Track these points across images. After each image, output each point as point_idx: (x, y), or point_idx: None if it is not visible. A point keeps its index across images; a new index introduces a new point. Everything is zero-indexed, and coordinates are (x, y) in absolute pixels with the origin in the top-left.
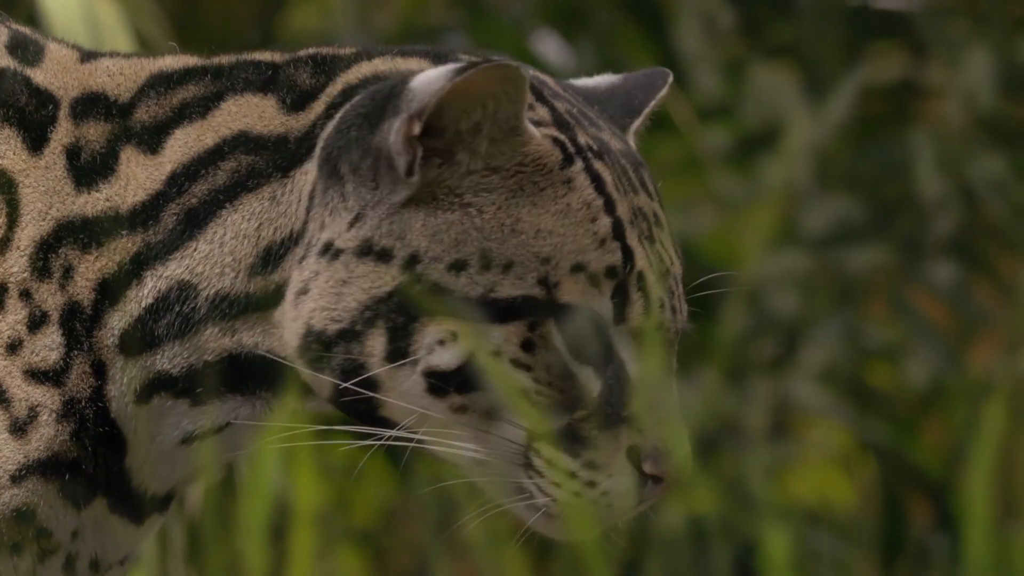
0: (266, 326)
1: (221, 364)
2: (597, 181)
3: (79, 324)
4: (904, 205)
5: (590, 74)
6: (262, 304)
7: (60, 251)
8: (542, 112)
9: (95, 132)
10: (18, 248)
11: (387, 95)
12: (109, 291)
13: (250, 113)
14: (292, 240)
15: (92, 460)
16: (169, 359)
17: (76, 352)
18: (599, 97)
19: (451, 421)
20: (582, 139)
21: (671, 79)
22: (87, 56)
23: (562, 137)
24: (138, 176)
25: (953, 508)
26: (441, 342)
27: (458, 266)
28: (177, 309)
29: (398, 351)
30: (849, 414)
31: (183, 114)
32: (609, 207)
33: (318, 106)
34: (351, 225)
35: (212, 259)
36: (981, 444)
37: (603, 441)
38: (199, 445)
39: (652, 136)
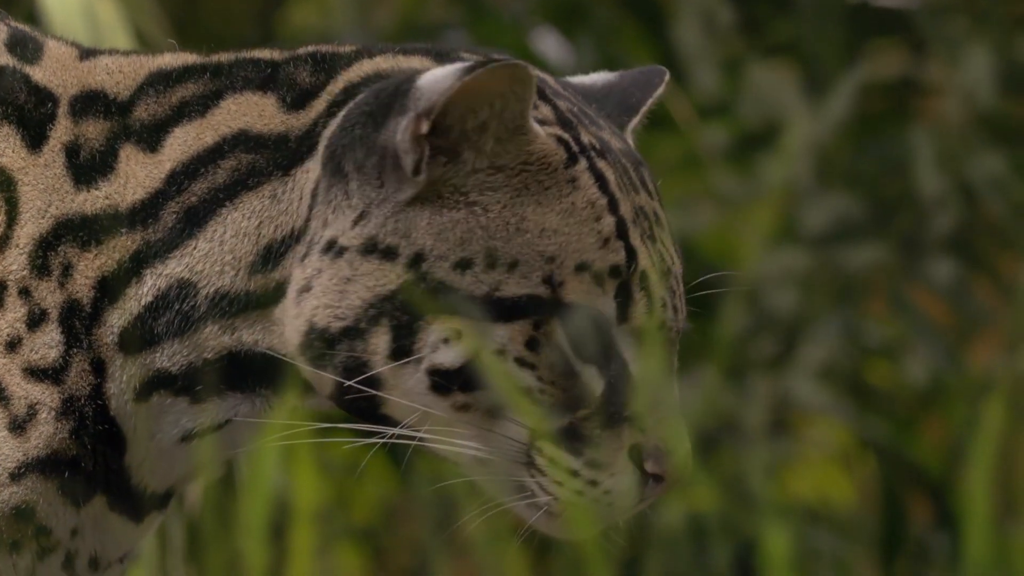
0: (266, 324)
1: (221, 362)
2: (600, 180)
3: (78, 322)
4: (904, 203)
5: (590, 72)
6: (262, 302)
7: (59, 249)
8: (545, 111)
9: (94, 130)
10: (17, 246)
11: (393, 93)
12: (108, 289)
13: (250, 112)
14: (293, 238)
15: (91, 458)
16: (169, 357)
17: (75, 350)
18: (596, 95)
19: (454, 419)
20: (585, 138)
21: (668, 77)
22: (86, 54)
23: (566, 136)
24: (137, 174)
25: (953, 506)
26: (445, 340)
27: (463, 264)
28: (177, 307)
29: (402, 349)
30: (849, 412)
31: (182, 112)
32: (612, 206)
33: (319, 104)
34: (355, 223)
35: (212, 257)
36: (981, 442)
37: (605, 440)
38: (199, 443)
39: (651, 134)
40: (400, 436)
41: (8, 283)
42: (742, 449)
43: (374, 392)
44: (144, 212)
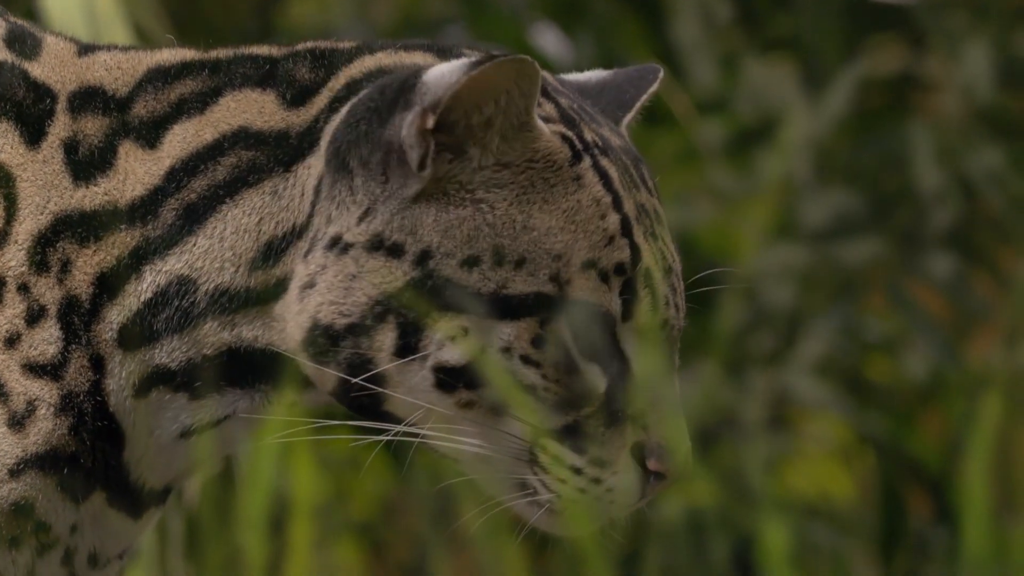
0: (266, 320)
1: (220, 358)
2: (604, 178)
3: (77, 318)
4: (902, 198)
5: (589, 67)
6: (263, 298)
7: (58, 245)
8: (548, 108)
9: (93, 126)
10: (16, 242)
11: (399, 88)
12: (107, 285)
13: (249, 109)
14: (294, 234)
15: (90, 454)
16: (168, 353)
17: (74, 346)
18: (591, 92)
19: (457, 417)
20: (588, 135)
21: (662, 75)
22: (84, 49)
23: (570, 134)
24: (136, 171)
25: (952, 501)
26: (452, 338)
27: (470, 262)
28: (176, 303)
29: (408, 346)
30: (847, 407)
31: (181, 109)
32: (617, 204)
33: (320, 100)
34: (361, 219)
35: (212, 254)
36: (979, 436)
37: (608, 438)
38: (198, 439)
39: (650, 129)
40: (402, 433)
41: (7, 279)
42: (741, 444)
43: (378, 389)
44: (143, 209)
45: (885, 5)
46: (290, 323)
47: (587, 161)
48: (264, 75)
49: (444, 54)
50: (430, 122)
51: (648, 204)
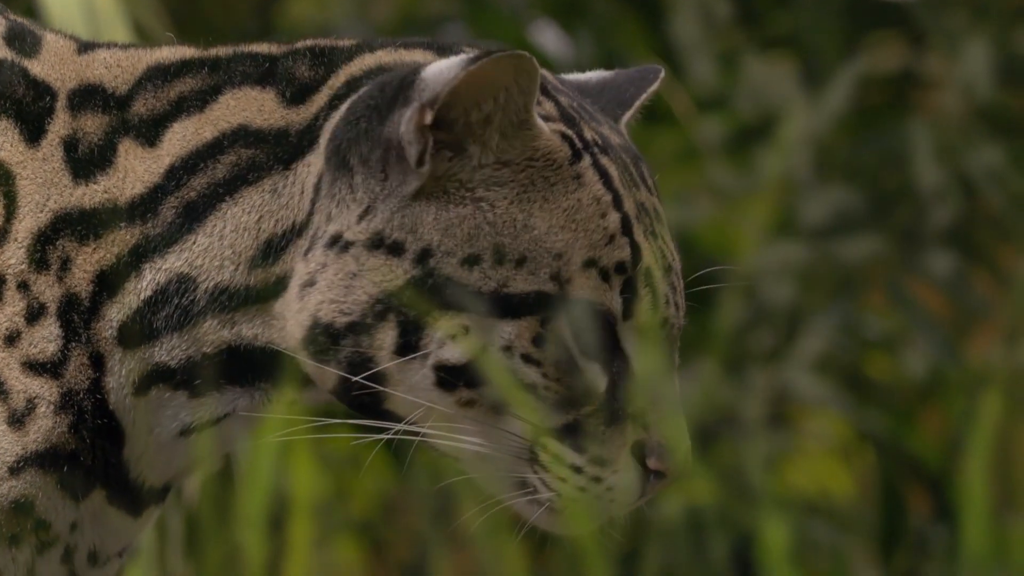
0: (266, 318)
1: (220, 356)
2: (605, 177)
3: (77, 316)
4: (902, 195)
5: (589, 65)
6: (262, 296)
7: (58, 243)
8: (548, 106)
9: (93, 124)
10: (16, 240)
11: (398, 86)
12: (107, 283)
13: (249, 107)
14: (294, 232)
15: (90, 452)
16: (167, 351)
17: (74, 344)
18: (590, 91)
19: (458, 415)
20: (588, 134)
21: (663, 75)
22: (84, 47)
23: (569, 132)
24: (136, 169)
25: (951, 498)
26: (452, 336)
27: (471, 260)
28: (176, 302)
29: (408, 345)
30: (847, 404)
31: (181, 107)
32: (617, 203)
33: (320, 98)
34: (361, 217)
35: (211, 252)
36: (979, 434)
37: (608, 437)
38: (197, 437)
39: (649, 127)
40: (402, 432)
41: (7, 277)
42: (741, 442)
43: (378, 387)
44: (143, 207)
45: (885, 3)
46: (290, 321)
47: (587, 160)
48: (264, 73)
49: (444, 52)
50: (428, 118)
51: (648, 202)
